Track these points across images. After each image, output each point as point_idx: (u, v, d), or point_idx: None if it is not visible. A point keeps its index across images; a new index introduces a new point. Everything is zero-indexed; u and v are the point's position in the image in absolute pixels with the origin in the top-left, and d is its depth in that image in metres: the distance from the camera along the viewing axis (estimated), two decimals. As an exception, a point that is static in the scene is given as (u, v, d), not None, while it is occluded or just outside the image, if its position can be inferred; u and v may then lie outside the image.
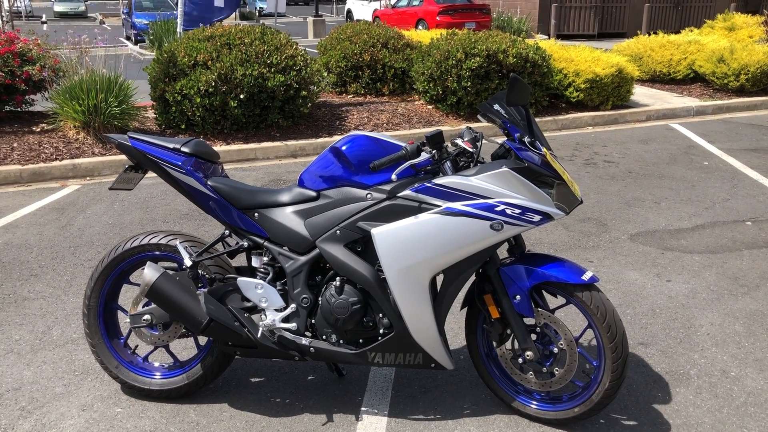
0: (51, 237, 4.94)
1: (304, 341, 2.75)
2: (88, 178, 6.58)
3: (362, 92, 9.52)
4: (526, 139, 2.59)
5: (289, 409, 2.92)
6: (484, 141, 6.79)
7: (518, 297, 2.65)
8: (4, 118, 7.62)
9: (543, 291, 2.76)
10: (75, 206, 5.66)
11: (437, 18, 19.86)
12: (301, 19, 33.86)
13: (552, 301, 3.54)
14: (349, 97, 9.52)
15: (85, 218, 5.35)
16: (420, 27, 20.33)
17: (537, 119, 8.70)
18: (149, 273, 2.70)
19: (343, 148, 2.69)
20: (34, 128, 7.42)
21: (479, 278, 2.79)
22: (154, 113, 7.82)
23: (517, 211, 2.51)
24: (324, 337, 2.77)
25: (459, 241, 2.53)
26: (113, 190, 2.94)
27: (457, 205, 2.52)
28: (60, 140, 7.09)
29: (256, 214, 2.79)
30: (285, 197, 2.79)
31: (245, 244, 2.82)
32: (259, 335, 2.73)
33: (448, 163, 2.62)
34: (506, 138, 2.67)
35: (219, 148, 7.24)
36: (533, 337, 2.79)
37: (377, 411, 2.90)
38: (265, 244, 2.79)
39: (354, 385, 3.09)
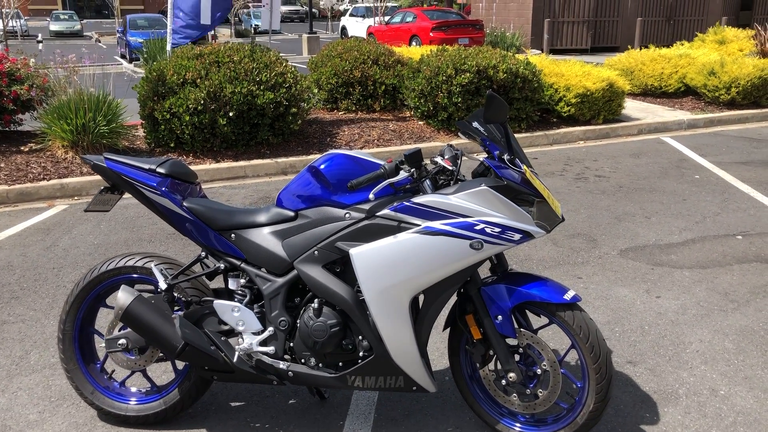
0: (35, 258, 4.88)
1: (282, 365, 2.69)
2: (75, 198, 6.53)
3: (353, 109, 9.50)
4: (506, 157, 2.55)
5: (269, 434, 2.85)
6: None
7: (500, 317, 2.60)
8: (-8, 138, 7.59)
9: (527, 311, 2.71)
10: (61, 226, 5.60)
11: (430, 34, 19.93)
12: (296, 36, 33.98)
13: (537, 321, 3.49)
14: (340, 113, 9.50)
15: (70, 239, 5.29)
16: (414, 43, 20.40)
17: (528, 134, 8.68)
18: (123, 297, 2.64)
19: (321, 167, 2.65)
20: (22, 148, 7.38)
21: (461, 298, 2.74)
22: (144, 132, 7.78)
23: (497, 229, 2.46)
24: (303, 360, 2.71)
25: (438, 261, 2.48)
26: (89, 212, 2.88)
27: (436, 224, 2.48)
28: (48, 160, 7.05)
29: (232, 235, 2.74)
30: (262, 217, 2.75)
31: (222, 266, 2.77)
32: (235, 359, 2.67)
33: (428, 182, 2.58)
34: (486, 156, 2.63)
35: (208, 166, 7.20)
36: (516, 358, 2.74)
37: (359, 435, 2.84)
38: (242, 265, 2.74)
39: (336, 409, 3.03)
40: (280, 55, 8.31)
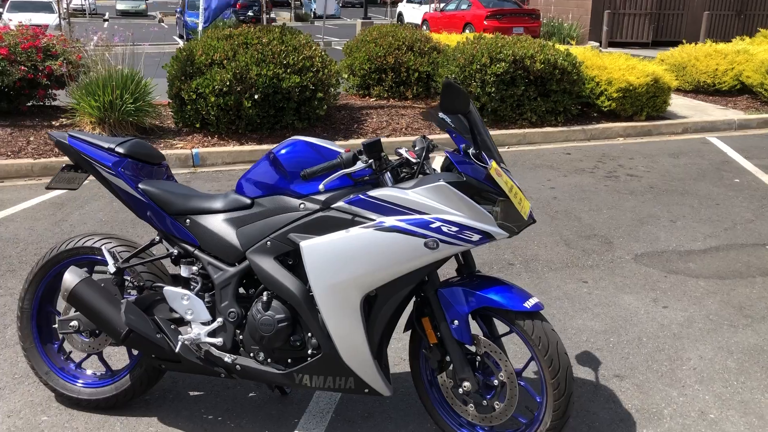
0: (41, 232, 4.93)
1: (229, 358, 2.59)
2: (97, 174, 6.58)
3: (385, 96, 9.33)
4: (471, 151, 2.37)
5: (219, 428, 2.76)
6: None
7: (456, 322, 2.43)
8: (26, 112, 7.74)
9: (493, 318, 2.54)
10: (75, 202, 5.65)
11: (485, 22, 19.48)
12: (354, 21, 33.89)
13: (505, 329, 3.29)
14: (371, 100, 9.34)
15: (81, 215, 5.33)
16: (467, 31, 20.02)
17: (565, 128, 8.36)
18: (69, 278, 2.58)
19: (281, 152, 2.53)
20: (53, 122, 7.51)
21: (419, 299, 2.58)
22: (172, 111, 7.81)
23: (454, 229, 2.29)
24: (252, 354, 2.61)
25: (391, 259, 2.33)
26: (50, 189, 2.83)
27: (391, 220, 2.32)
28: (76, 135, 7.13)
29: (187, 221, 2.64)
30: (218, 204, 2.64)
31: (175, 251, 2.68)
32: (178, 348, 2.58)
33: (388, 174, 2.42)
34: (454, 149, 2.46)
35: (232, 148, 7.18)
36: (476, 365, 2.56)
37: (311, 435, 2.72)
38: (196, 252, 2.64)
39: (294, 406, 2.92)
40: (311, 38, 8.20)
